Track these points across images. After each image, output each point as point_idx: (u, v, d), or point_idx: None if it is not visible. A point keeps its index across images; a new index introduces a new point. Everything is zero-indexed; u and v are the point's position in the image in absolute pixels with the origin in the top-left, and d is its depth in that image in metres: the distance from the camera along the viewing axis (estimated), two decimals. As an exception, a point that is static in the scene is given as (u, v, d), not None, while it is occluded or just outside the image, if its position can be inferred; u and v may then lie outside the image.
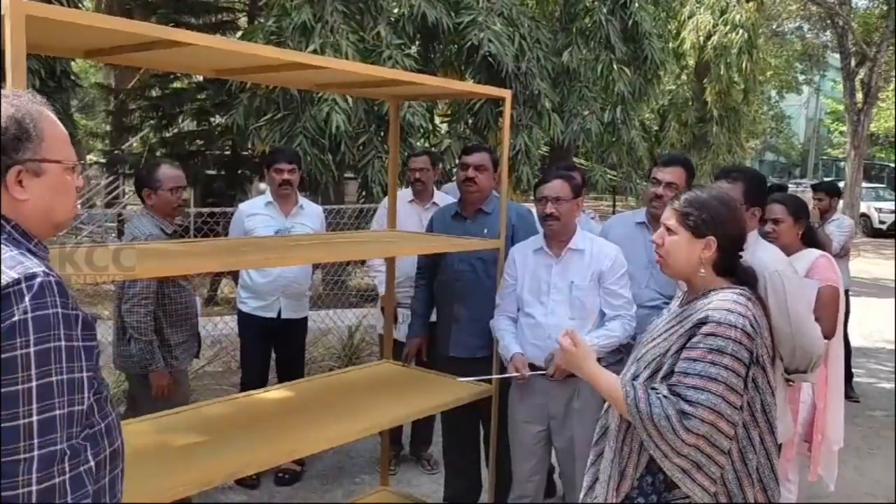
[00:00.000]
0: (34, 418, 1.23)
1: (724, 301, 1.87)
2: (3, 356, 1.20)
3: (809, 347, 2.53)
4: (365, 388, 3.21)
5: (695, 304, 1.94)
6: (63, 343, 1.27)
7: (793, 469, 3.36)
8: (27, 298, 1.22)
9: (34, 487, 1.23)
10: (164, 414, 2.90)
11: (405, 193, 4.27)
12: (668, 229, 2.00)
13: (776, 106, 29.93)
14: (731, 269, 1.96)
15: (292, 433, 2.61)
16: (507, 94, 3.14)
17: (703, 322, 1.84)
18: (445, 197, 4.40)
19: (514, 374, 3.01)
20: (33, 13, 1.67)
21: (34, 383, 1.23)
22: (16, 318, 1.21)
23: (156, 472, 2.19)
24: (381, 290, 4.31)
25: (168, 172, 3.40)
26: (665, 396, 1.81)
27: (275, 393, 3.16)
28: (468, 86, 3.47)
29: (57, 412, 1.26)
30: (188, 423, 2.69)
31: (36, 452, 1.23)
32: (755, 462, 1.88)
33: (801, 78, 26.17)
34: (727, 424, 1.79)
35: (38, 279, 1.25)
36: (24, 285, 1.23)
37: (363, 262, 5.57)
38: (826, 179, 12.39)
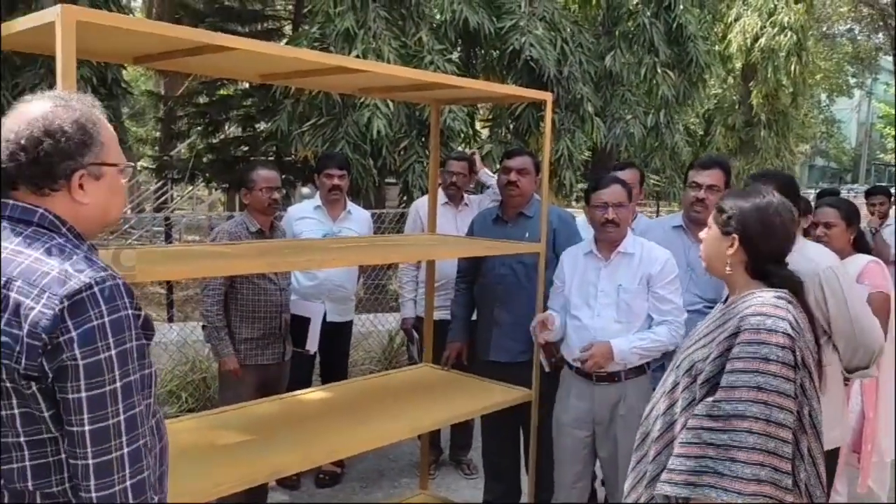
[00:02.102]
0: (121, 417, 1.27)
1: (762, 305, 1.82)
2: (85, 361, 1.23)
3: (871, 343, 2.48)
4: (404, 391, 3.21)
5: (734, 308, 1.90)
6: (134, 343, 1.31)
7: (841, 479, 3.26)
8: (102, 302, 1.25)
9: (128, 483, 1.28)
10: (207, 413, 2.95)
11: (439, 196, 4.27)
12: (708, 225, 2.03)
13: (826, 110, 29.22)
14: (765, 273, 1.91)
15: (331, 435, 2.63)
16: (548, 96, 3.12)
17: (740, 330, 1.79)
18: (477, 199, 4.40)
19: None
20: (84, 19, 1.71)
21: (119, 384, 1.27)
22: (94, 322, 1.24)
23: (197, 470, 2.22)
24: (406, 297, 4.34)
25: (262, 173, 3.53)
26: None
27: (315, 394, 3.18)
28: (508, 88, 3.46)
29: (137, 410, 1.30)
30: (231, 422, 2.73)
31: (126, 450, 1.28)
32: (805, 477, 1.82)
33: (852, 81, 25.52)
34: (787, 431, 1.74)
35: (109, 283, 1.28)
36: (96, 289, 1.26)
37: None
38: (878, 185, 12.04)
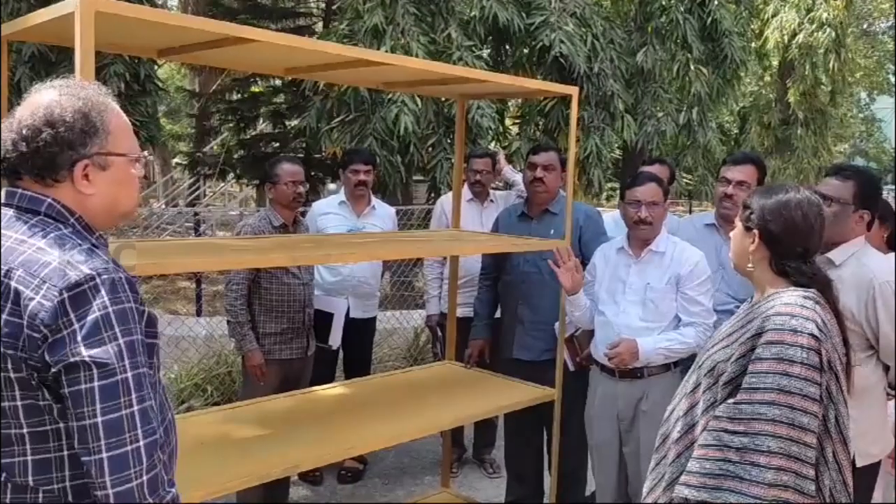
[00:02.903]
0: (135, 408, 1.23)
1: (787, 305, 1.76)
2: (92, 352, 1.19)
3: None
4: (426, 388, 3.19)
5: (758, 307, 1.84)
6: (141, 336, 1.28)
7: (877, 486, 3.16)
8: (105, 293, 1.22)
9: (144, 478, 1.24)
10: (228, 407, 2.96)
11: (463, 193, 4.23)
12: (734, 223, 2.00)
13: (867, 108, 28.52)
14: (788, 270, 1.84)
15: (350, 431, 2.62)
16: (573, 90, 3.07)
17: (764, 330, 1.73)
18: (503, 195, 4.36)
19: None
20: (103, 10, 1.71)
21: (129, 374, 1.23)
22: (98, 313, 1.21)
23: (212, 464, 2.23)
24: (431, 293, 4.31)
25: (286, 168, 3.54)
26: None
27: (336, 390, 3.18)
28: (533, 83, 3.42)
29: (148, 403, 1.27)
30: (250, 416, 2.74)
31: (141, 443, 1.24)
32: (829, 484, 1.76)
33: (893, 79, 24.86)
34: (811, 436, 1.68)
35: (111, 275, 1.25)
36: (98, 280, 1.23)
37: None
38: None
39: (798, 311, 1.74)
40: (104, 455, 1.21)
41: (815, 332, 1.71)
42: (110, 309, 1.23)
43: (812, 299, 1.78)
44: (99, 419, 1.21)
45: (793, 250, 1.84)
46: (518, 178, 4.26)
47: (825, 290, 1.84)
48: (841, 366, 1.78)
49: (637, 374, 2.91)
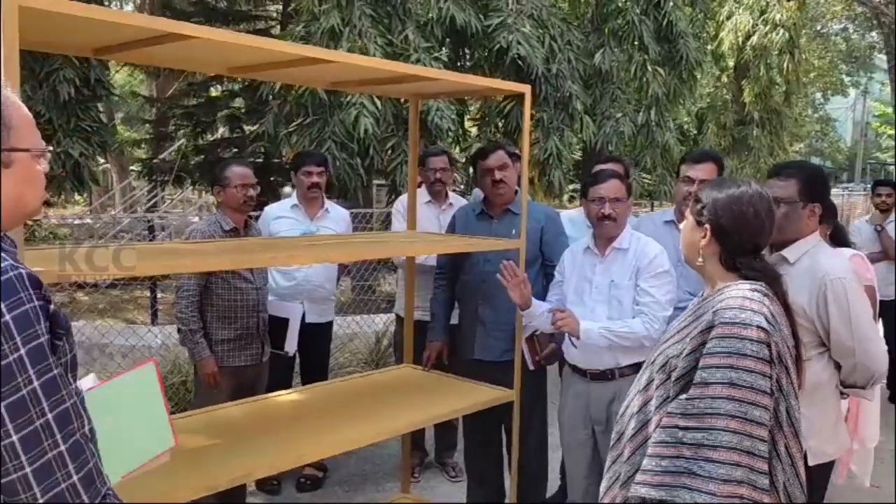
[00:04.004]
0: (49, 416, 1.17)
1: (736, 298, 1.75)
2: None
3: (872, 363, 2.34)
4: (383, 392, 3.14)
5: (709, 301, 1.83)
6: (47, 337, 1.20)
7: None
8: (0, 298, 1.14)
9: (75, 478, 1.19)
10: (179, 416, 2.87)
11: (421, 194, 4.18)
12: (685, 216, 1.98)
13: (821, 108, 29.20)
14: (738, 265, 1.84)
15: (305, 437, 2.55)
16: (526, 88, 3.05)
17: (714, 324, 1.72)
18: (458, 198, 4.32)
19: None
20: (27, 4, 1.63)
21: (37, 383, 1.16)
22: None
23: (159, 475, 2.14)
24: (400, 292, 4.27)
25: (236, 170, 3.47)
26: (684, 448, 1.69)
27: (291, 396, 3.11)
28: (485, 80, 3.38)
29: (67, 404, 1.20)
30: (202, 425, 2.65)
31: (63, 447, 1.18)
32: (783, 478, 1.75)
33: (847, 80, 25.50)
34: (763, 430, 1.67)
35: (9, 273, 1.17)
36: None
37: (394, 269, 5.50)
38: (886, 178, 12.02)
39: (747, 305, 1.73)
40: (27, 470, 1.14)
41: (765, 324, 1.70)
42: (8, 317, 1.14)
43: (761, 292, 1.78)
44: (14, 438, 1.13)
45: (743, 246, 1.84)
46: None
47: (774, 283, 1.83)
48: (791, 359, 1.77)
49: (609, 376, 2.90)
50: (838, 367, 2.42)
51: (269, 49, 2.32)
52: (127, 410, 1.66)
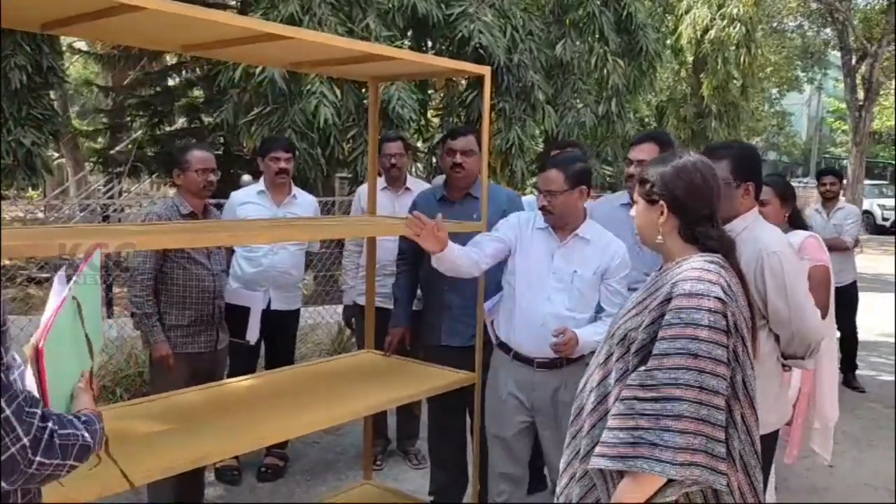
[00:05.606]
0: (8, 412, 1.18)
1: (693, 270, 1.77)
2: None
3: (808, 333, 2.40)
4: (344, 377, 3.11)
5: (667, 273, 1.85)
6: None
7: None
8: None
9: (25, 440, 1.20)
10: (134, 402, 2.82)
11: (379, 181, 4.14)
12: (633, 200, 1.98)
13: (777, 104, 29.77)
14: (697, 235, 1.85)
15: (263, 421, 2.52)
16: (486, 70, 3.05)
17: (672, 296, 1.73)
18: (419, 182, 4.30)
19: None
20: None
21: None
22: None
23: (108, 461, 2.09)
24: (349, 283, 4.28)
25: (197, 154, 3.41)
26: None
27: (249, 382, 3.07)
28: (444, 61, 3.38)
29: (20, 398, 1.21)
30: (158, 410, 2.61)
31: (8, 411, 1.19)
32: (738, 446, 1.77)
33: (802, 76, 26.01)
34: (720, 398, 1.68)
35: None
36: None
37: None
38: (829, 167, 12.31)
39: (705, 276, 1.75)
40: None
41: (721, 295, 1.71)
42: None
43: (717, 263, 1.79)
44: None
45: (701, 213, 1.85)
46: None
47: (729, 253, 1.86)
48: (747, 328, 1.79)
49: (557, 364, 2.86)
50: (779, 340, 2.47)
51: (225, 24, 2.28)
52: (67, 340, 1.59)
